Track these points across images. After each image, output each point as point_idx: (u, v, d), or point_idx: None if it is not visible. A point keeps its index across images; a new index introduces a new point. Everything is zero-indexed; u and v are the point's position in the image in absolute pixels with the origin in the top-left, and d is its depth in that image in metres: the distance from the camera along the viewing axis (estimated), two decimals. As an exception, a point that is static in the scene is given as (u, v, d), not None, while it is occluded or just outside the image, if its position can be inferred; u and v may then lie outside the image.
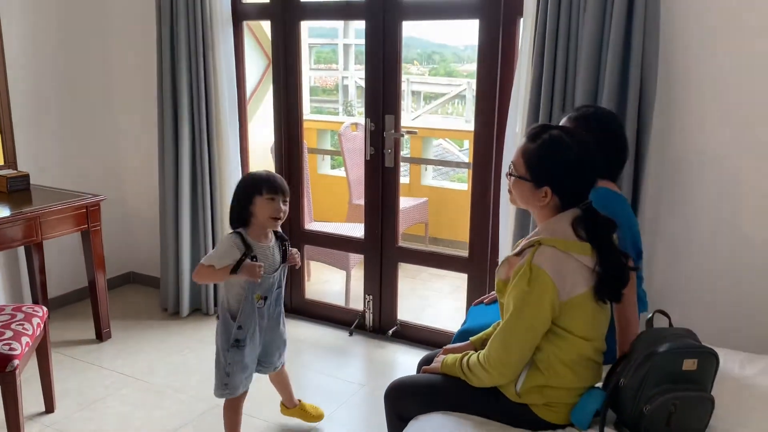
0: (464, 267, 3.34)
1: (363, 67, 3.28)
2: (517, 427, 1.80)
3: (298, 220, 3.72)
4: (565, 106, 2.64)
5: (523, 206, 1.86)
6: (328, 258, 4.05)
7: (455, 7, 3.15)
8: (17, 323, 2.49)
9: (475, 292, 3.24)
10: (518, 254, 1.79)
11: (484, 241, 3.20)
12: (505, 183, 2.90)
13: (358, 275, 3.85)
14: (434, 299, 4.38)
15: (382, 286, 3.53)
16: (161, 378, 3.09)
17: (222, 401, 2.64)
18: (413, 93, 14.03)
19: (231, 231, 2.31)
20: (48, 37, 3.65)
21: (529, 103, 2.72)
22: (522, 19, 2.76)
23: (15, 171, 3.39)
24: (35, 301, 3.57)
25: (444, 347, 2.10)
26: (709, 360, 1.72)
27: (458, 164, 6.92)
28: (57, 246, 3.70)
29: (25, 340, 2.42)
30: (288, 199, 2.31)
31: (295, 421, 2.75)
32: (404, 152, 5.32)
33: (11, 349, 2.34)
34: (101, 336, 3.44)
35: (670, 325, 1.91)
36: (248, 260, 2.24)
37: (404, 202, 4.42)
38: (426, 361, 2.12)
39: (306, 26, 3.63)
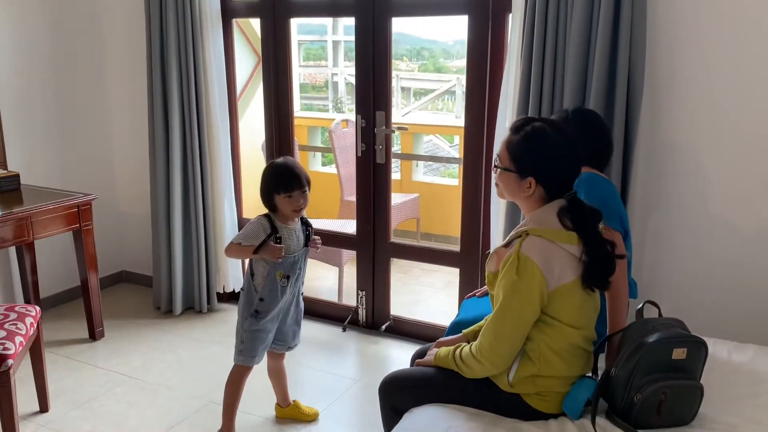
0: (456, 262, 3.36)
1: (352, 63, 3.30)
2: (510, 417, 1.83)
3: (290, 217, 3.73)
4: (554, 101, 2.66)
5: (510, 198, 1.89)
6: (320, 254, 4.05)
7: (444, 3, 3.17)
8: (10, 323, 2.49)
9: (467, 286, 3.26)
10: (506, 245, 1.82)
11: (476, 236, 3.22)
12: (494, 176, 2.92)
13: (350, 271, 3.87)
14: (426, 294, 4.40)
15: (374, 281, 3.55)
16: (155, 376, 3.09)
17: (217, 398, 2.66)
18: (403, 89, 14.04)
19: (261, 214, 2.45)
20: (37, 37, 3.63)
21: (518, 99, 2.74)
22: (511, 15, 2.78)
23: (5, 171, 3.38)
24: (27, 301, 3.56)
25: (437, 340, 2.12)
26: (698, 349, 1.75)
27: (449, 160, 6.95)
28: (48, 246, 3.69)
29: (18, 339, 2.42)
30: (306, 189, 2.42)
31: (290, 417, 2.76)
32: (395, 148, 5.33)
33: (5, 348, 2.34)
34: (94, 335, 3.44)
35: (660, 315, 1.95)
36: (271, 242, 2.38)
37: (396, 198, 4.44)
38: (419, 355, 2.14)
39: (295, 23, 3.62)
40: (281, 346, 2.61)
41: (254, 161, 4.45)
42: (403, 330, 3.52)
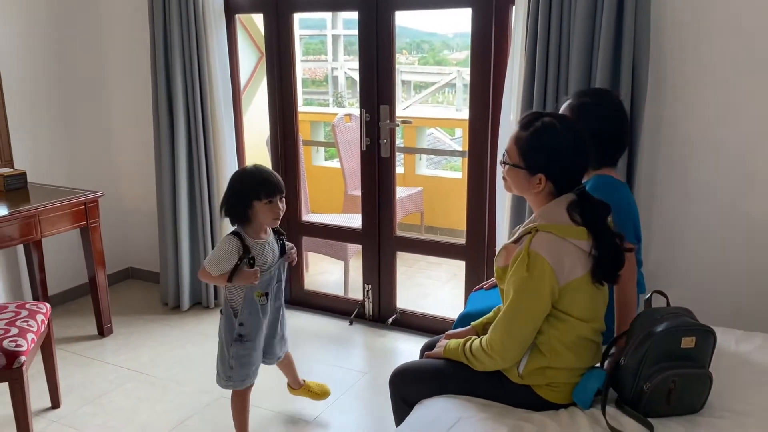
0: (462, 254, 3.37)
1: (352, 57, 3.30)
2: (521, 408, 1.84)
3: (295, 212, 3.75)
4: (559, 93, 2.67)
5: (518, 193, 1.89)
6: (325, 249, 4.07)
7: (447, -4, 3.17)
8: (22, 320, 2.51)
9: (473, 279, 3.28)
10: (516, 241, 1.82)
11: (481, 228, 3.23)
12: (500, 170, 2.93)
13: (356, 265, 3.88)
14: (432, 287, 4.42)
15: (380, 275, 3.56)
16: (164, 372, 3.12)
17: (227, 392, 2.66)
18: (403, 83, 14.03)
19: (230, 231, 2.32)
20: (41, 35, 3.64)
21: (522, 91, 2.75)
22: (514, 7, 2.79)
23: (12, 169, 3.40)
24: (35, 299, 3.58)
25: (446, 333, 2.14)
26: (706, 337, 1.76)
27: (453, 153, 6.95)
28: (56, 243, 3.71)
29: (30, 336, 2.44)
30: (284, 195, 2.31)
31: (299, 410, 2.78)
32: (398, 142, 5.34)
33: (18, 345, 2.36)
34: (103, 332, 3.46)
35: (668, 304, 1.95)
36: (244, 267, 2.26)
37: (400, 192, 4.45)
38: (428, 347, 2.16)
39: (296, 18, 3.63)
40: (269, 360, 2.56)
41: (259, 156, 4.46)
42: (410, 323, 3.54)
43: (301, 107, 6.30)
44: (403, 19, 3.19)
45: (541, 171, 1.78)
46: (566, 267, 1.73)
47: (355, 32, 3.35)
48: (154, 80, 3.59)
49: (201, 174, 3.59)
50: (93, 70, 3.93)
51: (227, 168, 3.62)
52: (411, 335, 3.47)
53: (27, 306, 2.63)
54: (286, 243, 2.46)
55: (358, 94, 3.40)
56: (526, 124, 1.82)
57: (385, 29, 3.23)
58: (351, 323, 3.62)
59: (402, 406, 2.01)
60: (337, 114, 5.01)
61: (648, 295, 1.91)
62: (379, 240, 3.53)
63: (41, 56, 3.65)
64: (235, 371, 2.38)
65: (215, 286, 3.77)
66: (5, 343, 2.34)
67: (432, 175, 5.64)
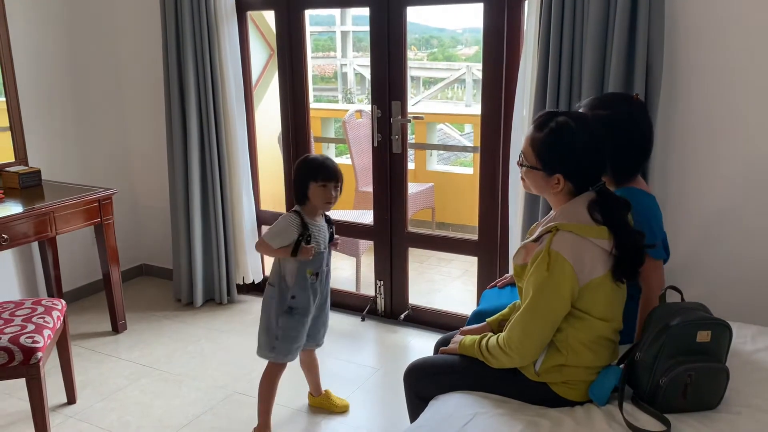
0: (474, 250, 3.37)
1: (361, 54, 3.31)
2: (537, 405, 1.84)
3: (307, 209, 3.75)
4: (572, 89, 2.65)
5: (538, 193, 1.88)
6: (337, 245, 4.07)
7: (459, -8, 3.16)
8: (38, 316, 2.53)
9: (485, 275, 3.27)
10: (536, 240, 1.81)
11: (494, 224, 3.23)
12: (513, 166, 2.93)
13: (368, 261, 3.89)
14: (443, 283, 4.42)
15: (392, 271, 3.57)
16: (179, 367, 3.14)
17: (241, 388, 2.69)
18: (412, 79, 14.01)
19: (290, 210, 2.46)
20: (55, 34, 3.66)
21: (535, 87, 2.73)
22: (527, 2, 2.78)
23: (26, 167, 3.42)
24: (50, 295, 3.61)
25: (461, 329, 2.14)
26: (722, 331, 1.75)
27: (465, 149, 6.94)
28: (70, 240, 3.74)
29: (46, 332, 2.46)
30: (340, 185, 2.43)
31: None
32: (409, 138, 5.34)
33: (34, 341, 2.38)
34: (117, 328, 3.49)
35: (682, 299, 1.95)
36: (303, 243, 2.39)
37: (411, 188, 4.45)
38: (443, 342, 2.16)
39: (306, 15, 3.63)
40: (310, 343, 2.63)
41: (270, 153, 4.47)
42: (422, 319, 3.54)
43: (312, 104, 6.31)
44: (411, 14, 3.19)
45: (559, 171, 1.77)
46: (587, 267, 1.72)
47: (365, 28, 3.35)
48: (166, 78, 3.60)
49: (213, 170, 3.61)
50: (106, 68, 3.95)
51: (239, 164, 3.63)
52: (423, 331, 3.48)
53: (43, 302, 2.66)
54: (335, 233, 2.58)
55: (367, 91, 3.40)
56: (540, 124, 1.80)
57: (396, 25, 3.23)
58: (363, 319, 3.63)
59: (416, 402, 2.01)
60: (347, 110, 5.01)
61: (662, 291, 1.90)
62: (391, 236, 3.53)
63: (55, 54, 3.67)
64: (280, 342, 2.46)
65: (228, 282, 3.79)
66: (22, 339, 2.37)
67: (443, 170, 5.63)
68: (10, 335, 2.37)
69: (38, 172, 3.38)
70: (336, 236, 2.59)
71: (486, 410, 1.80)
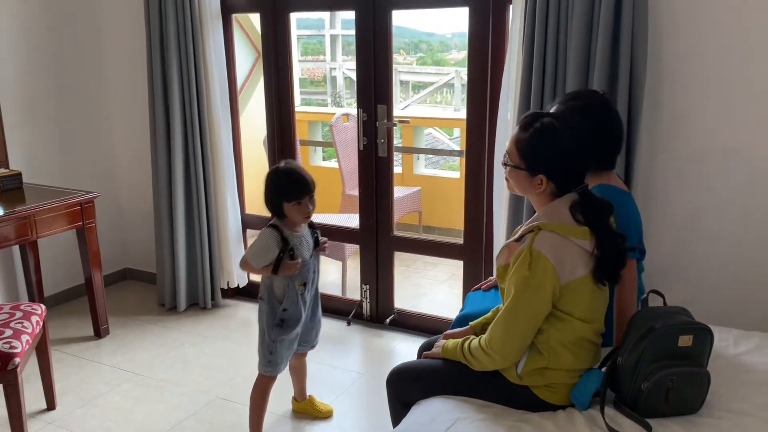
0: (460, 254, 3.36)
1: (350, 57, 3.30)
2: (519, 409, 1.83)
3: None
4: (556, 92, 2.66)
5: (521, 194, 1.89)
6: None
7: (445, -5, 3.16)
8: (16, 321, 2.49)
9: (471, 279, 3.27)
10: (518, 240, 1.81)
11: (479, 228, 3.22)
12: (498, 170, 2.93)
13: (353, 265, 3.87)
14: (429, 287, 4.41)
15: (378, 275, 3.55)
16: (161, 373, 3.10)
17: (224, 393, 2.65)
18: (401, 83, 14.03)
19: (268, 224, 2.41)
20: (38, 35, 3.62)
21: (520, 91, 2.73)
22: (511, 6, 2.78)
23: (7, 170, 3.38)
24: (31, 300, 3.56)
25: (444, 333, 2.13)
26: (704, 336, 1.75)
27: (451, 152, 6.94)
28: (51, 244, 3.70)
29: (25, 338, 2.43)
30: (314, 194, 2.38)
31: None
32: (395, 142, 5.34)
33: (12, 347, 2.34)
34: (99, 333, 3.45)
35: (665, 304, 1.95)
36: (286, 258, 2.34)
37: (397, 192, 4.44)
38: (426, 347, 2.14)
39: (293, 18, 3.62)
40: (305, 346, 2.62)
41: (256, 156, 4.45)
42: (408, 323, 3.53)
43: (300, 107, 6.30)
44: (400, 19, 3.18)
45: (542, 172, 1.77)
46: (568, 266, 1.72)
47: (354, 32, 3.33)
48: (150, 80, 3.57)
49: (198, 173, 3.58)
50: (89, 71, 3.92)
51: (224, 167, 3.61)
52: (409, 335, 3.46)
53: (22, 307, 2.62)
54: (320, 237, 2.54)
55: (356, 94, 3.39)
56: (525, 125, 1.81)
57: (382, 28, 3.22)
58: (349, 324, 3.61)
59: (399, 407, 2.00)
60: (334, 114, 5.00)
61: (645, 295, 1.90)
62: (377, 240, 3.52)
63: (37, 56, 3.63)
64: (274, 355, 2.44)
65: (212, 287, 3.76)
66: None
67: (430, 174, 5.63)
68: (-13, 340, 2.34)
69: (19, 175, 3.34)
70: (322, 239, 2.55)
71: (468, 415, 1.79)
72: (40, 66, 3.66)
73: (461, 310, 2.46)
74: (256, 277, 3.05)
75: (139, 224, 4.12)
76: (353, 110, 3.42)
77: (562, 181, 1.78)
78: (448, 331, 2.12)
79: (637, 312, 1.85)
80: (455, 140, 8.08)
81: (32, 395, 2.80)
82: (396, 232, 3.57)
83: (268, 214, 2.44)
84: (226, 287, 3.80)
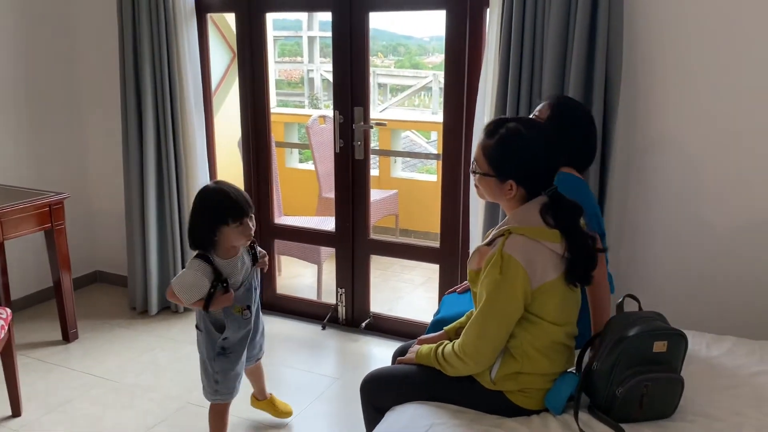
0: (436, 258, 3.35)
1: (328, 59, 3.28)
2: (493, 414, 1.82)
3: (267, 215, 3.69)
4: (532, 96, 2.66)
5: (492, 200, 1.89)
6: (298, 252, 4.02)
7: (422, -2, 3.15)
8: (-20, 326, 2.42)
9: (447, 283, 3.26)
10: (489, 244, 1.80)
11: (455, 232, 3.22)
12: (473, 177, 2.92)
13: (329, 269, 3.84)
14: (406, 291, 4.39)
15: (354, 278, 3.53)
16: (132, 378, 3.04)
17: (195, 399, 2.59)
18: (379, 86, 14.03)
19: (196, 254, 2.20)
20: (7, 33, 3.54)
21: (496, 94, 2.74)
22: (489, 10, 2.78)
23: (-27, 170, 3.29)
24: (-2, 303, 3.47)
25: (418, 338, 2.11)
26: (678, 342, 1.76)
27: (428, 156, 6.94)
28: (19, 246, 3.61)
29: (-11, 343, 2.36)
30: (253, 211, 2.20)
31: (269, 417, 2.72)
32: (372, 144, 5.32)
33: (-25, 352, 2.27)
34: (68, 337, 3.37)
35: (640, 308, 1.95)
36: (219, 291, 2.18)
37: (374, 195, 4.42)
38: (401, 352, 2.13)
39: (269, 18, 3.59)
40: (249, 362, 2.50)
41: (231, 158, 4.40)
42: (383, 327, 3.51)
43: (276, 108, 6.25)
44: (378, 21, 3.16)
45: (511, 177, 1.77)
46: (539, 269, 1.72)
47: (331, 34, 3.31)
48: (122, 80, 3.51)
49: (170, 175, 3.52)
50: (60, 70, 3.84)
51: (197, 169, 3.55)
52: (385, 339, 3.44)
53: (-14, 311, 2.55)
54: (258, 251, 2.39)
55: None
56: (490, 131, 1.80)
57: (359, 30, 3.20)
58: (324, 328, 3.57)
59: (373, 414, 1.98)
60: (311, 116, 4.96)
61: (620, 300, 1.91)
62: (353, 243, 3.49)
63: (7, 55, 3.55)
64: (221, 385, 2.32)
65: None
66: (-38, 349, 2.26)
67: (407, 177, 5.62)
68: (-51, 346, 2.27)
69: (-15, 175, 3.26)
70: (261, 252, 2.38)
71: (442, 421, 1.78)
72: (9, 65, 3.57)
73: (436, 313, 2.45)
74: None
75: (110, 226, 4.04)
76: (330, 112, 3.39)
77: (531, 185, 1.78)
78: (423, 336, 2.11)
79: (613, 317, 1.85)
80: (432, 143, 8.08)
81: (-3, 402, 2.73)
82: (372, 236, 3.55)
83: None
84: (199, 290, 3.74)
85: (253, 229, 2.20)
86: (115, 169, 3.82)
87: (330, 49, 3.26)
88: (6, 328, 2.55)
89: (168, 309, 3.76)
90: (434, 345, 1.92)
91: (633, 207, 2.74)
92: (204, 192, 2.18)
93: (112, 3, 3.55)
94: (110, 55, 3.68)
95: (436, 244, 3.36)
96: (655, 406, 1.75)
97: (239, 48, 3.51)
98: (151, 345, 3.36)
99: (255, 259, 2.36)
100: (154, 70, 3.44)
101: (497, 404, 1.82)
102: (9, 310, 2.63)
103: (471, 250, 3.00)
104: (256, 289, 2.36)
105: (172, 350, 3.30)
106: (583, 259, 1.75)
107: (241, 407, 2.76)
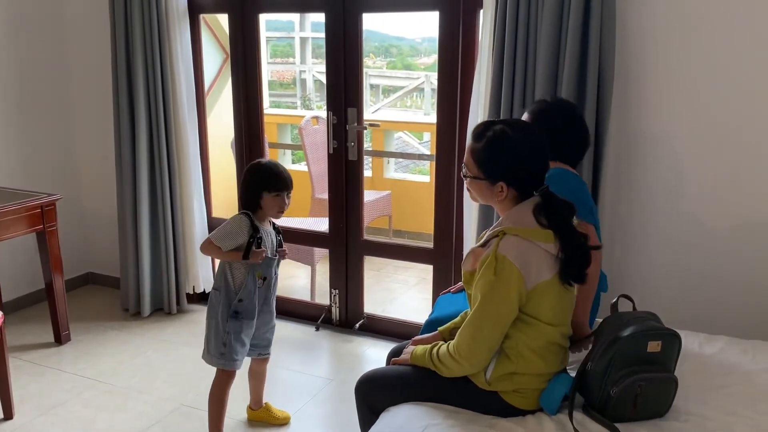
0: (430, 258, 3.35)
1: (320, 60, 3.28)
2: (488, 415, 1.82)
3: (261, 216, 3.68)
4: (526, 97, 2.67)
5: (484, 203, 1.89)
6: (292, 253, 4.00)
7: (415, -1, 3.16)
8: (-28, 328, 2.41)
9: (441, 283, 3.26)
10: (483, 245, 1.81)
11: (449, 232, 3.22)
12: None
13: (323, 270, 3.84)
14: (400, 291, 4.39)
15: (348, 279, 3.52)
16: (125, 380, 3.03)
17: (188, 401, 2.58)
18: (372, 87, 14.03)
19: (239, 212, 2.41)
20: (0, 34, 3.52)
21: (490, 95, 2.74)
22: (482, 11, 2.78)
23: (-36, 171, 3.27)
24: (-11, 306, 3.45)
25: (413, 338, 2.11)
26: (672, 341, 1.77)
27: (421, 156, 6.95)
28: (11, 248, 3.59)
29: (-20, 345, 2.34)
30: (291, 192, 2.42)
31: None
32: (366, 145, 5.33)
33: (-34, 355, 2.26)
34: (60, 339, 3.35)
35: (634, 308, 1.96)
36: (253, 246, 2.36)
37: (368, 196, 4.42)
38: (395, 353, 2.13)
39: (262, 19, 3.58)
40: (255, 351, 2.57)
41: (223, 159, 4.39)
42: (377, 328, 3.51)
43: (269, 109, 6.24)
44: (371, 23, 3.17)
45: (501, 179, 1.78)
46: (534, 270, 1.72)
47: (324, 35, 3.31)
48: (114, 81, 3.50)
49: (163, 176, 3.51)
50: (52, 70, 3.81)
51: (191, 170, 3.54)
52: (378, 340, 3.44)
53: (-22, 313, 2.53)
54: (282, 241, 2.54)
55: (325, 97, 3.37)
56: (478, 135, 1.81)
57: (352, 31, 3.20)
58: (317, 329, 3.57)
59: (368, 414, 1.97)
60: (304, 117, 4.96)
61: (615, 300, 1.91)
62: (347, 244, 3.49)
63: (-4, 54, 3.53)
64: (228, 347, 2.40)
65: (177, 292, 3.68)
66: (-46, 352, 2.24)
67: (400, 178, 5.62)
68: (-60, 348, 2.25)
69: (-23, 177, 3.24)
70: (284, 245, 2.54)
71: (437, 422, 1.78)
72: (2, 66, 3.55)
73: (431, 313, 2.46)
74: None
75: (102, 227, 4.03)
76: (323, 113, 3.39)
77: (521, 186, 1.79)
78: (417, 337, 2.11)
79: (607, 317, 1.86)
80: (425, 144, 8.09)
81: (-12, 405, 2.71)
82: (366, 236, 3.55)
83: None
84: (191, 292, 3.73)
85: (287, 205, 2.40)
86: (108, 170, 3.80)
87: (322, 50, 3.27)
88: (-2, 330, 2.53)
89: (161, 311, 3.75)
90: (429, 346, 1.91)
91: (626, 206, 2.75)
92: (257, 162, 2.46)
93: (104, 4, 3.53)
94: (102, 57, 3.66)
95: (430, 244, 3.36)
96: (649, 406, 1.76)
97: (232, 49, 3.50)
98: (143, 347, 3.34)
99: (279, 246, 2.51)
100: (147, 71, 3.43)
101: (492, 404, 1.82)
102: (1, 312, 2.61)
103: (464, 251, 3.03)
104: (275, 275, 2.50)
105: (165, 352, 3.29)
106: (577, 258, 1.76)
107: (239, 409, 2.75)
